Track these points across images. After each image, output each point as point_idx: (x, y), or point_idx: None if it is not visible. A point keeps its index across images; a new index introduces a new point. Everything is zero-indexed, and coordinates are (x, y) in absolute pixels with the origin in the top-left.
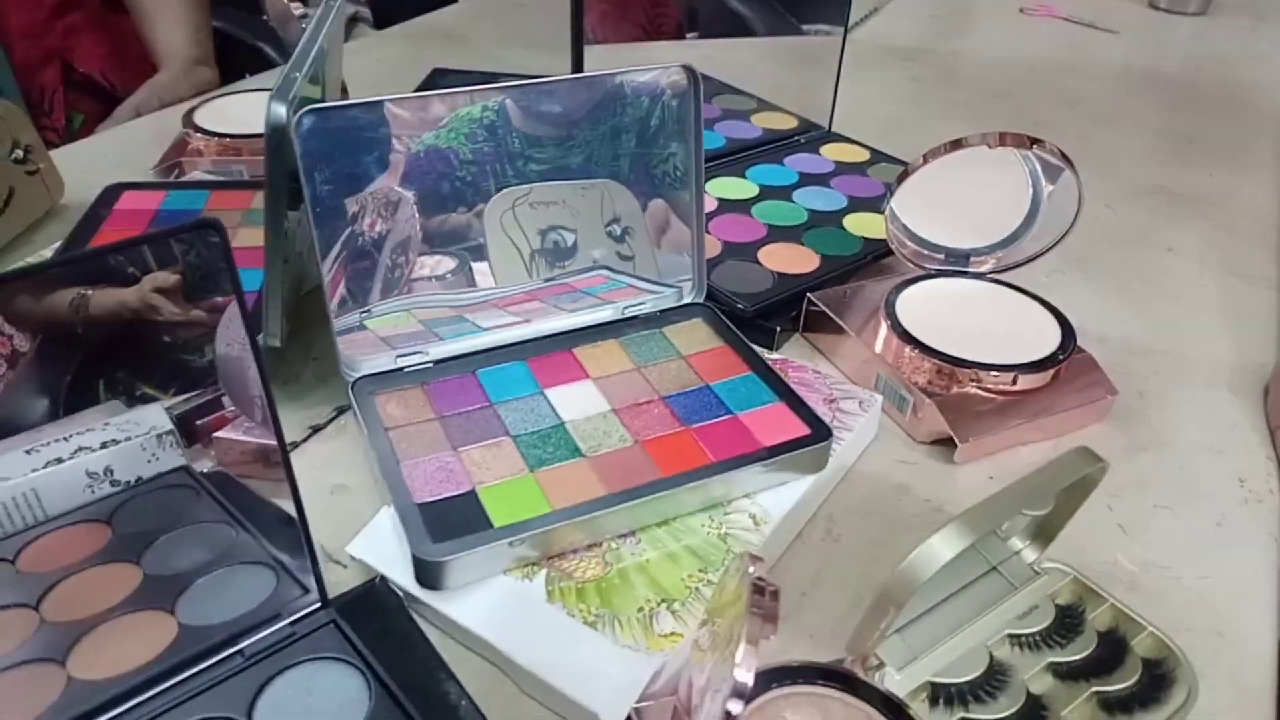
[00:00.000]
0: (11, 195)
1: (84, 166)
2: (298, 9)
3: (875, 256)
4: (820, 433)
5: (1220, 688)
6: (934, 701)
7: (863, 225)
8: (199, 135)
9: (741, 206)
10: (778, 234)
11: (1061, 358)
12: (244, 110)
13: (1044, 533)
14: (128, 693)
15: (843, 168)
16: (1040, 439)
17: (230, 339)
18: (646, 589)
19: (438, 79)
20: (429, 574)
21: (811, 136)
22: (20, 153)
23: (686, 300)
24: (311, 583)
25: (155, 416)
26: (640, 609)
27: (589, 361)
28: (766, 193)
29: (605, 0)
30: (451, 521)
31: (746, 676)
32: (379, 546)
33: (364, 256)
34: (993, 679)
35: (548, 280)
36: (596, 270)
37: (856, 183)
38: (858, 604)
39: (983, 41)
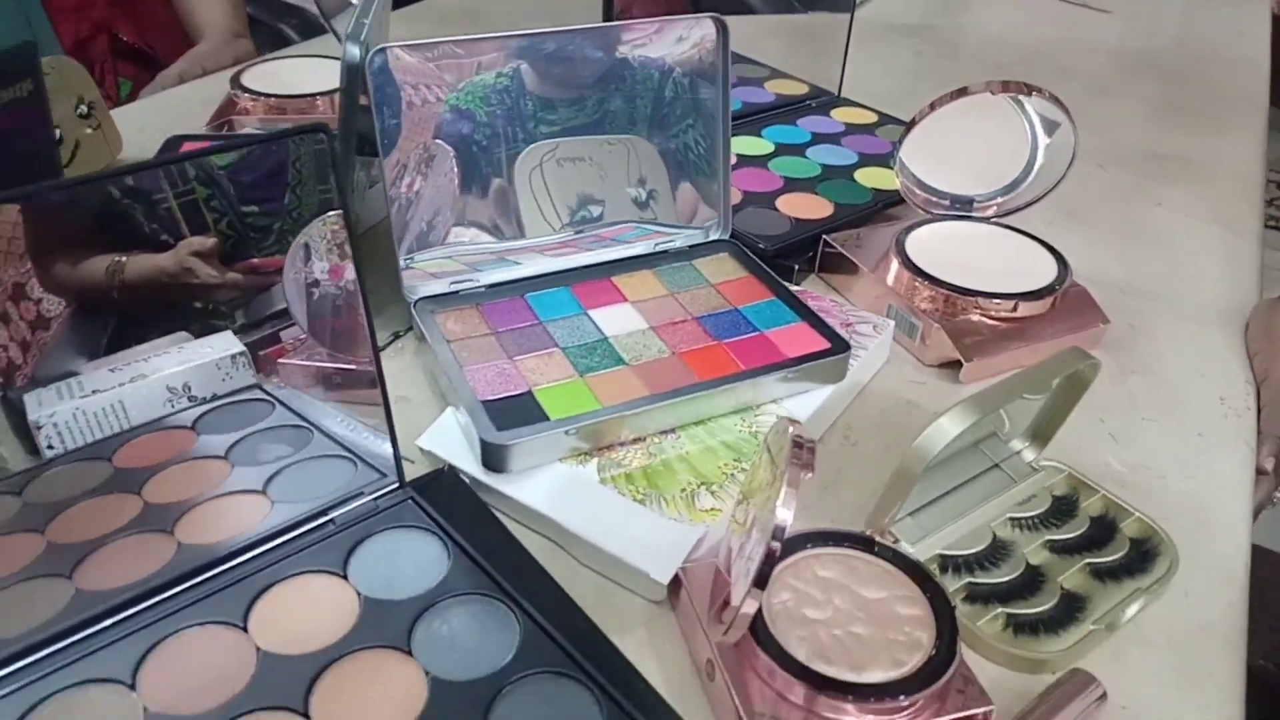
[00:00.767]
0: (78, 148)
1: (136, 126)
2: None
3: (885, 205)
4: (839, 346)
5: (1200, 565)
6: (943, 570)
7: (873, 178)
8: (246, 95)
9: (759, 161)
10: (793, 185)
11: (1058, 287)
12: (287, 74)
13: (1041, 435)
14: (233, 553)
15: (852, 128)
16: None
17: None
18: (688, 474)
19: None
20: (495, 457)
21: (822, 101)
22: (85, 108)
23: (713, 237)
24: (388, 468)
25: (227, 341)
26: (683, 489)
27: (626, 287)
28: (782, 150)
29: None
30: (512, 415)
31: (787, 514)
32: (445, 441)
33: (436, 182)
34: (995, 552)
35: (579, 234)
36: (625, 222)
37: (866, 141)
38: (874, 495)
39: (981, 20)
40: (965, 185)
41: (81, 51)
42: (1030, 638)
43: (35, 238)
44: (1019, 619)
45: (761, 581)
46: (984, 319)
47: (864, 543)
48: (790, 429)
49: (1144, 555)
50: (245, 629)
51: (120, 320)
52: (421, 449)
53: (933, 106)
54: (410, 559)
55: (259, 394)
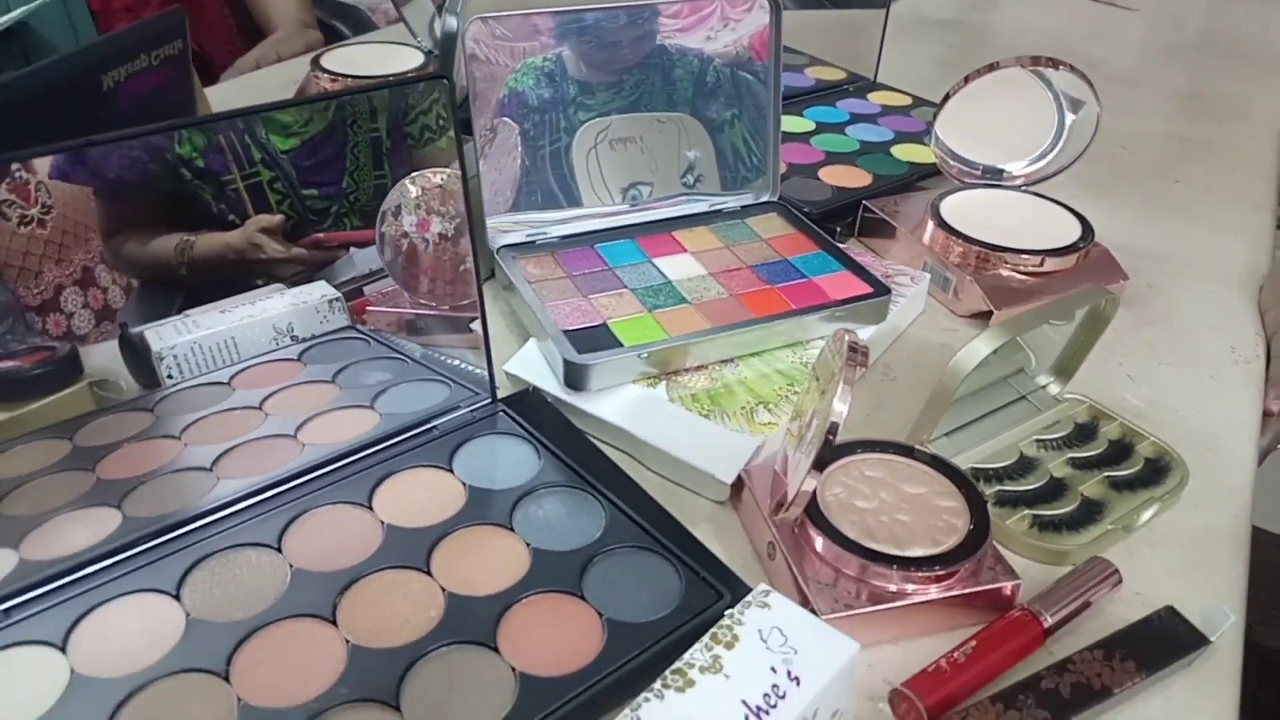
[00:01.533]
0: None
1: (221, 105)
2: None
3: (919, 177)
4: (880, 290)
5: (1208, 483)
6: (975, 480)
7: (908, 153)
8: (326, 76)
9: (801, 138)
10: (834, 159)
11: (1083, 245)
12: (361, 58)
13: (1065, 370)
14: (352, 451)
15: (888, 109)
16: None
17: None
18: (746, 395)
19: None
20: (577, 377)
21: (859, 86)
22: None
23: (763, 199)
24: (481, 386)
25: (323, 288)
26: (743, 407)
27: (686, 240)
28: (822, 128)
29: None
30: (590, 342)
31: (843, 407)
32: (529, 366)
33: (508, 153)
34: (1023, 466)
35: (633, 208)
36: (675, 196)
37: (901, 121)
38: (911, 422)
39: (1011, 16)
40: (996, 156)
41: None
42: (1053, 534)
43: (107, 218)
44: (1043, 519)
45: (820, 464)
46: (1013, 273)
47: (905, 450)
48: (846, 336)
49: (1158, 470)
50: (370, 508)
51: (186, 296)
52: (508, 374)
53: (966, 80)
54: (506, 458)
55: (354, 333)
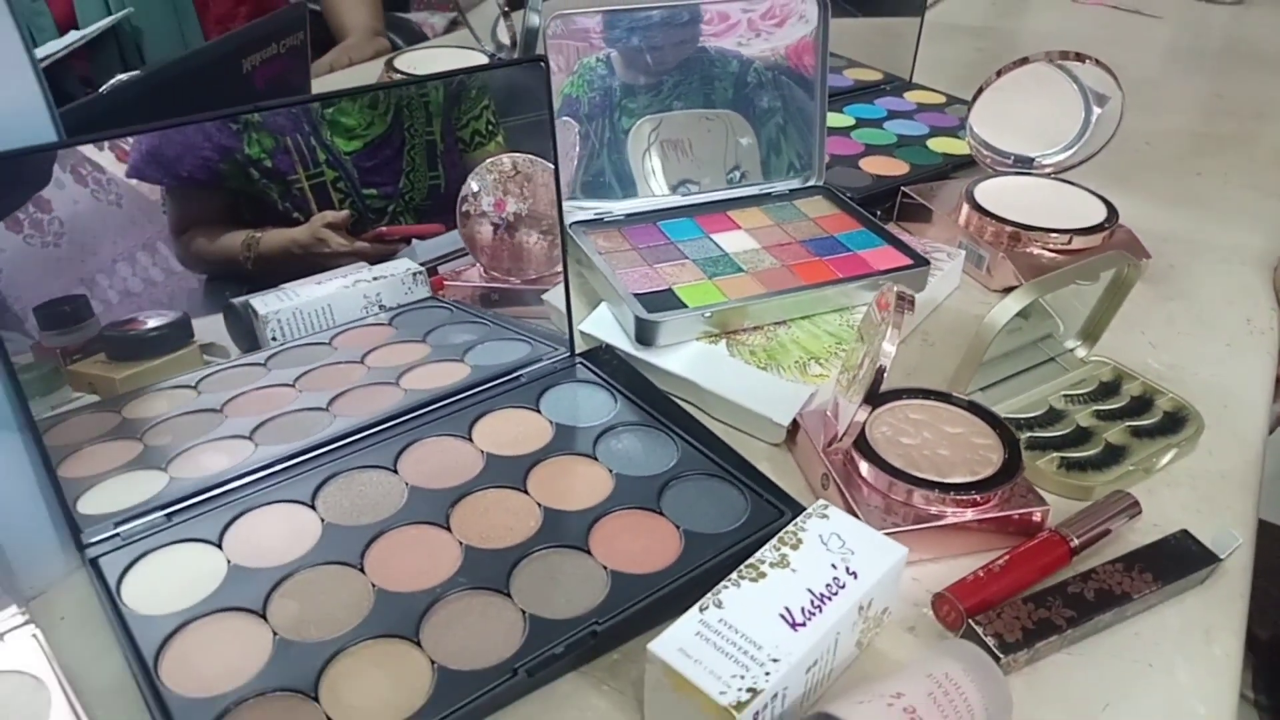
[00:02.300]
0: None
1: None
2: None
3: (954, 167)
4: (919, 262)
5: (1223, 434)
6: None
7: (943, 145)
8: (399, 76)
9: (842, 132)
10: (873, 150)
11: (1108, 226)
12: (427, 61)
13: (1091, 334)
14: (448, 395)
15: (924, 107)
16: None
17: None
18: (799, 351)
19: None
20: (646, 332)
21: (895, 85)
22: None
23: (810, 184)
24: (560, 342)
25: (407, 263)
26: (796, 361)
27: (740, 218)
28: (862, 123)
29: None
30: (657, 303)
31: (891, 348)
32: (602, 326)
33: (584, 141)
34: (1051, 417)
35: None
36: (722, 189)
37: (936, 117)
38: (948, 380)
39: (1039, 23)
40: (1026, 146)
41: None
42: (1079, 472)
43: (178, 215)
44: (1070, 460)
45: (870, 398)
46: (1043, 251)
47: (945, 396)
48: (894, 287)
49: (1176, 421)
50: (471, 439)
51: (250, 289)
52: (582, 333)
53: (999, 73)
54: (586, 401)
55: (436, 303)
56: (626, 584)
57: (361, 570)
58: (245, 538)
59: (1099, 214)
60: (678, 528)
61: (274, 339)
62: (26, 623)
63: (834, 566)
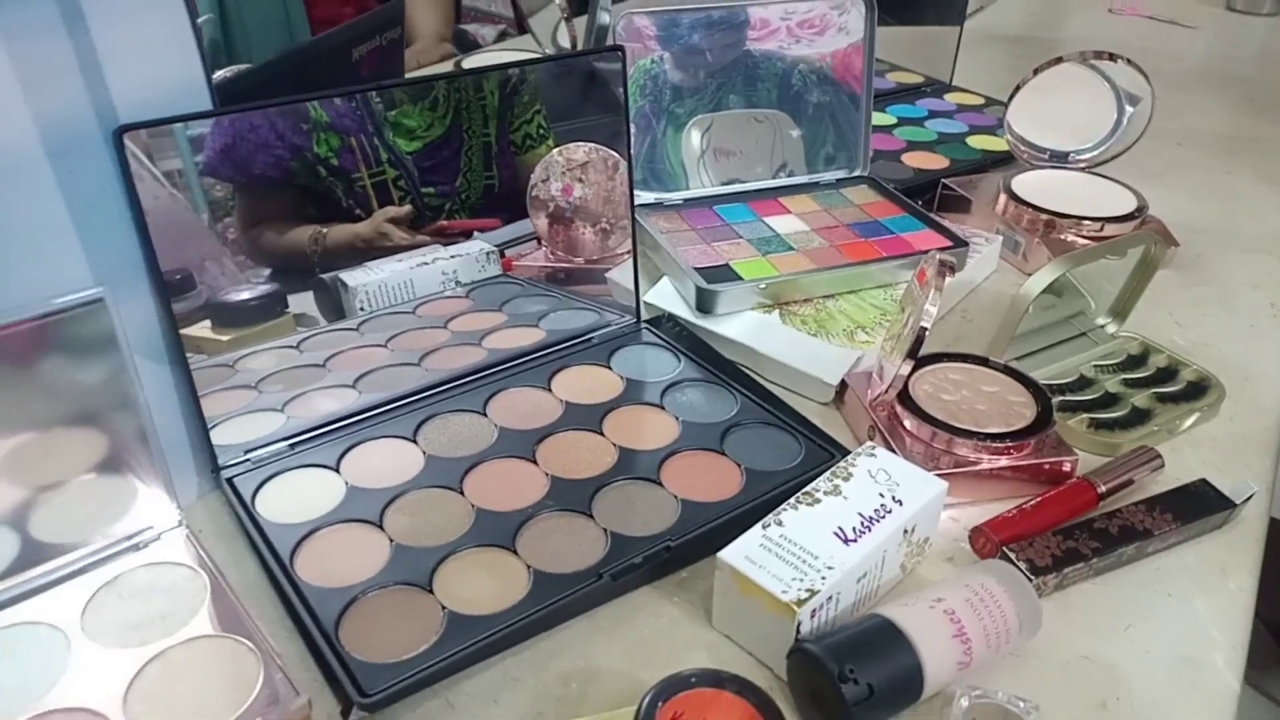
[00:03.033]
0: None
1: None
2: None
3: (992, 162)
4: (959, 244)
5: (1243, 402)
6: None
7: (981, 143)
8: None
9: (885, 130)
10: (915, 146)
11: (1138, 215)
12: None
13: (1120, 312)
14: (527, 352)
15: (963, 108)
16: None
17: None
18: (846, 320)
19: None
20: (706, 301)
21: (936, 88)
22: None
23: (855, 174)
24: (627, 310)
25: (480, 243)
26: (844, 329)
27: (790, 204)
28: (904, 122)
29: None
30: (716, 276)
31: (933, 309)
32: (664, 297)
33: (642, 136)
34: (1082, 384)
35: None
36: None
37: (975, 117)
38: (985, 349)
39: (1076, 32)
40: (1061, 141)
41: None
42: (1107, 431)
43: (248, 212)
44: (1098, 420)
45: (913, 353)
46: (1076, 238)
47: (982, 360)
48: (936, 255)
49: (1199, 389)
50: (550, 390)
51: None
52: (646, 303)
53: (1035, 72)
54: (652, 361)
55: (507, 279)
56: (695, 510)
57: (461, 493)
58: (359, 464)
59: (1130, 205)
60: (739, 466)
61: (361, 309)
62: (181, 524)
63: (881, 496)
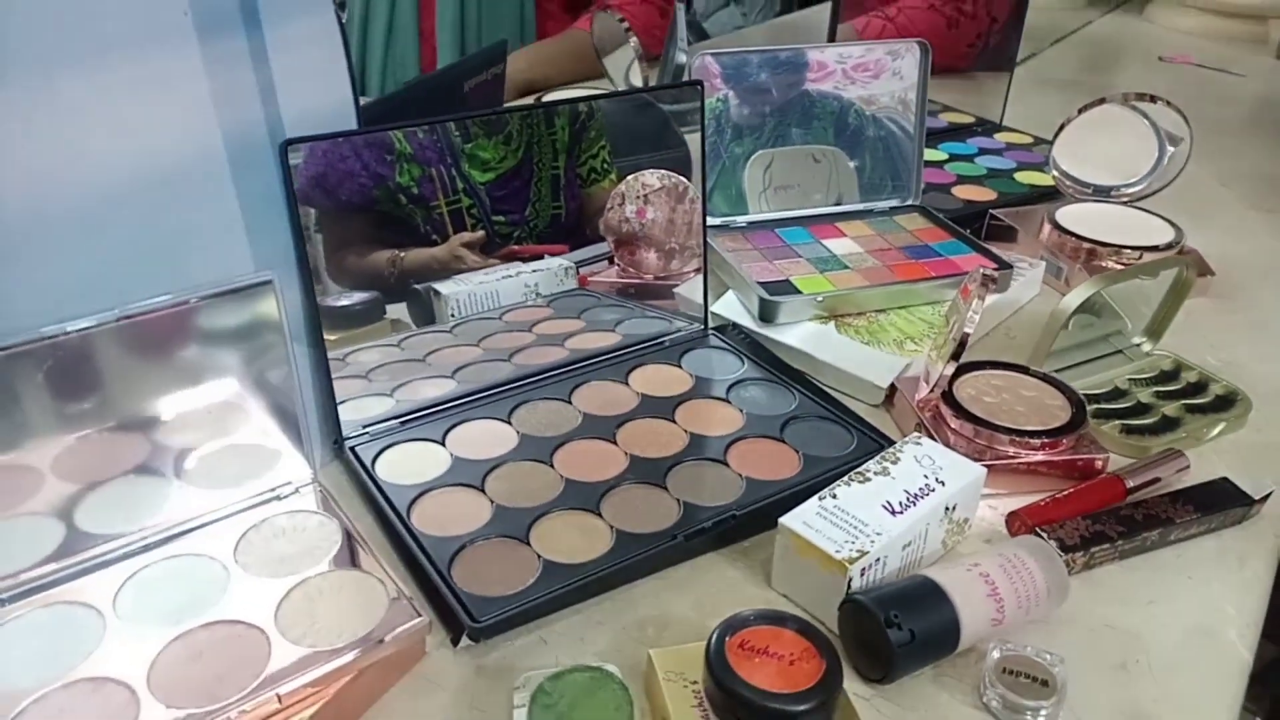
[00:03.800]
0: None
1: None
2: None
3: (1039, 196)
4: (1004, 265)
5: (1270, 416)
6: None
7: (1029, 178)
8: None
9: (936, 164)
10: (964, 180)
11: (1175, 245)
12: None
13: (1154, 332)
14: (606, 352)
15: (1012, 146)
16: None
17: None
18: (896, 332)
19: None
20: (768, 311)
21: (987, 127)
22: None
23: (908, 202)
24: (695, 318)
25: (561, 260)
26: (894, 339)
27: (845, 228)
28: (955, 158)
29: None
30: (777, 290)
31: (976, 317)
32: (729, 308)
33: (714, 161)
34: (1115, 394)
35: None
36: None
37: (1023, 155)
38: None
39: (1127, 79)
40: (1104, 177)
41: None
42: (1138, 436)
43: (333, 237)
44: (1130, 427)
45: (957, 355)
46: (1115, 265)
47: (1022, 369)
48: (981, 270)
49: (1226, 402)
50: (627, 384)
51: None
52: (713, 313)
53: (1080, 111)
54: (719, 361)
55: (583, 292)
56: (758, 486)
57: (551, 466)
58: (461, 439)
59: (1168, 236)
60: (797, 452)
61: (452, 315)
62: (314, 481)
63: (925, 477)
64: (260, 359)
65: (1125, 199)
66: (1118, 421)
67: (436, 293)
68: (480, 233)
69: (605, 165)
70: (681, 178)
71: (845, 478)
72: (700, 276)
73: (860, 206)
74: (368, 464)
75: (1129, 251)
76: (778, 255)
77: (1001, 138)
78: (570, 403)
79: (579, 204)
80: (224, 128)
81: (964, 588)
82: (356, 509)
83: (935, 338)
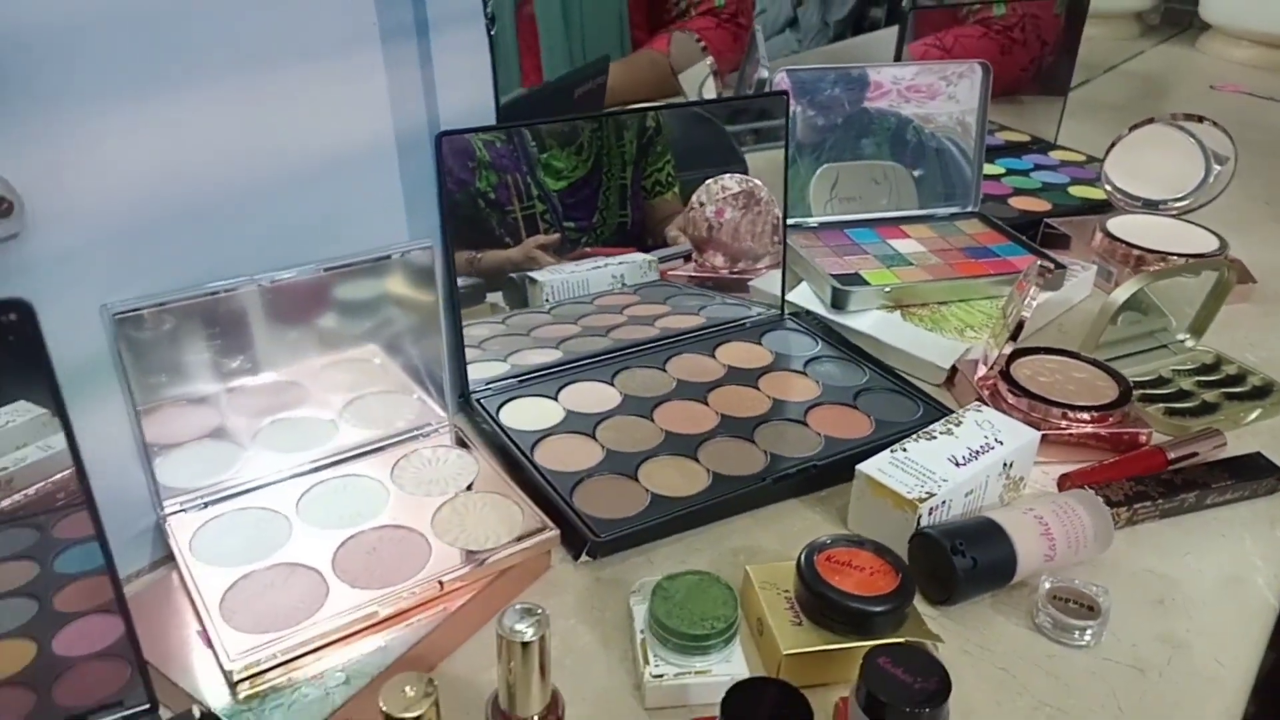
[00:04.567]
0: None
1: None
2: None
3: (1091, 208)
4: (1058, 265)
5: None
6: None
7: (1082, 192)
8: None
9: (993, 178)
10: (1020, 192)
11: (1219, 254)
12: None
13: (1197, 330)
14: (695, 330)
15: (1066, 163)
16: None
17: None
18: (957, 320)
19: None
20: (840, 299)
21: (1042, 145)
22: None
23: (968, 210)
24: (773, 304)
25: (643, 256)
26: (955, 326)
27: (909, 230)
28: (1011, 172)
29: None
30: (848, 281)
31: (1034, 303)
32: (803, 297)
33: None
34: (1159, 382)
35: None
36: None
37: (1076, 171)
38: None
39: (1177, 105)
40: (1153, 191)
41: None
42: (1179, 417)
43: None
44: (1172, 409)
45: (1014, 336)
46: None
47: (1073, 354)
48: (1037, 262)
49: (1264, 391)
50: (714, 357)
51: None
52: (788, 301)
53: (1130, 129)
54: (795, 341)
55: (665, 283)
56: (834, 443)
57: (652, 420)
58: (571, 396)
59: (1212, 245)
60: (869, 416)
61: (547, 300)
62: (450, 424)
63: (985, 437)
64: (412, 317)
65: (1173, 212)
66: (1161, 405)
67: (532, 280)
68: (556, 235)
69: (670, 178)
70: (757, 181)
71: (914, 436)
72: (776, 270)
73: (923, 211)
74: (493, 412)
75: (1175, 258)
76: (847, 252)
77: (1056, 155)
78: (665, 370)
79: (643, 214)
80: (395, 118)
81: (1021, 527)
82: (483, 452)
83: (993, 326)
